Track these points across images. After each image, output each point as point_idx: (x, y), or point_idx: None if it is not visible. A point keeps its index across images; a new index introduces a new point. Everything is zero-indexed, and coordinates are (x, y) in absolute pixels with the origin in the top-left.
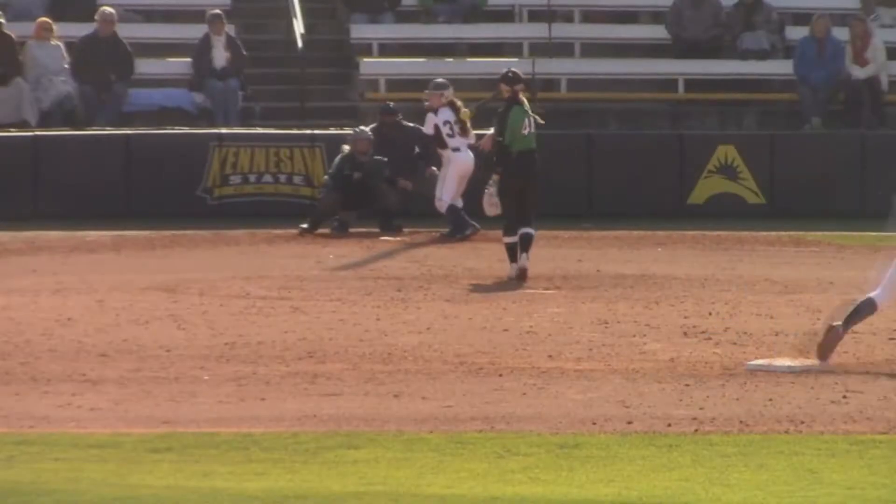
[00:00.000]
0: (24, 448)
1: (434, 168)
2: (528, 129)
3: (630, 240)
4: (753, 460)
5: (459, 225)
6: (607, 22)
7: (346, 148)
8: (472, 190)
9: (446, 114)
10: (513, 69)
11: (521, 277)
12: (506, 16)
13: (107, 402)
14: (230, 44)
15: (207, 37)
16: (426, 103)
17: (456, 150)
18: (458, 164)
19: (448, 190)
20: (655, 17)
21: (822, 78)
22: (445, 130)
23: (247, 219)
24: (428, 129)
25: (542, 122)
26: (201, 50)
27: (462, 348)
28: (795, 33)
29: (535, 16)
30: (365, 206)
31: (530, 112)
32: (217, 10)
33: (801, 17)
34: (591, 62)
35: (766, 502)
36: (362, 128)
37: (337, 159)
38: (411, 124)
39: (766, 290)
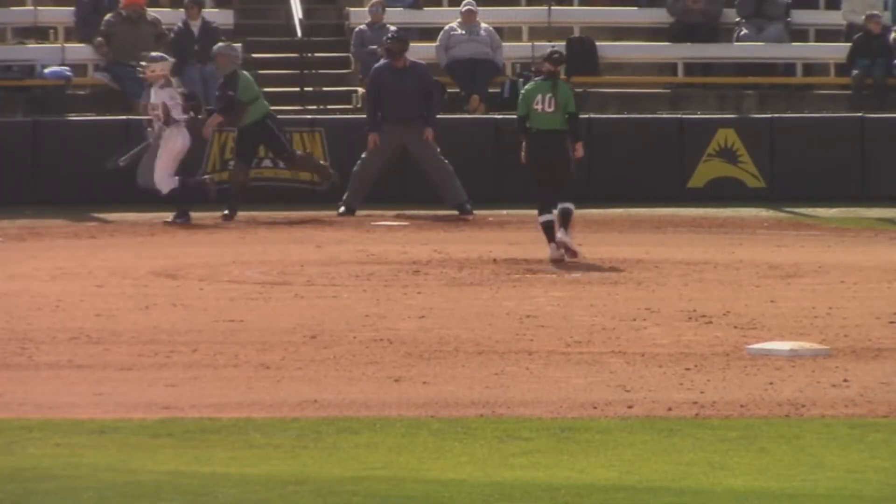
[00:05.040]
0: (24, 434)
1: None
2: (541, 105)
3: (630, 223)
4: (754, 444)
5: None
6: (606, 5)
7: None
8: None
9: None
10: (558, 49)
11: (559, 258)
12: None
13: (107, 387)
14: (206, 29)
15: (186, 23)
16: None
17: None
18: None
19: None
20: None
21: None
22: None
23: (246, 203)
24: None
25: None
26: (180, 36)
27: (463, 332)
28: (802, 17)
29: None
30: (275, 152)
31: (561, 91)
32: None
33: (808, 0)
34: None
35: (767, 486)
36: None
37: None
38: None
39: (767, 273)
